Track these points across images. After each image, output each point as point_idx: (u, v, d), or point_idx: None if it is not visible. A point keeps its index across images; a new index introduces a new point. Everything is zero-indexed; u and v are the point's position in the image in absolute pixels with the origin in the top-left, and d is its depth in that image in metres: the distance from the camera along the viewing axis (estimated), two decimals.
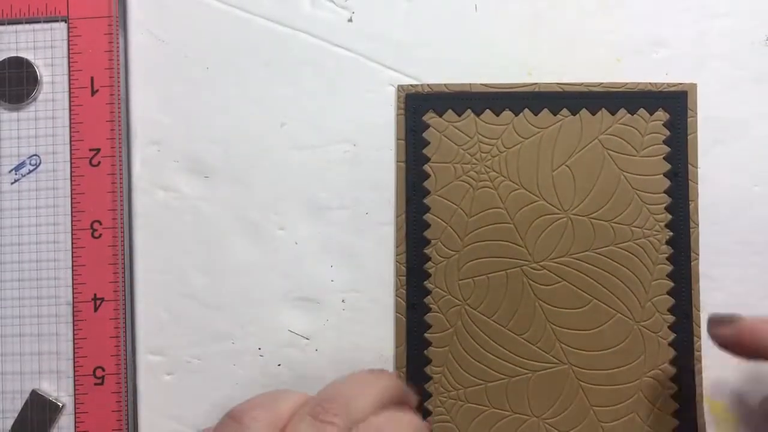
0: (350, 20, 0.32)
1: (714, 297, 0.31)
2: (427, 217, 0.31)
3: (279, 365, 0.31)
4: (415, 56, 0.32)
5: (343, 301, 0.32)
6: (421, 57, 0.32)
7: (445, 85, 0.32)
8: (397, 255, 0.31)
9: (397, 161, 0.32)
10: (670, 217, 0.31)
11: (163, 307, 0.32)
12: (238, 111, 0.32)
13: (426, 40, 0.32)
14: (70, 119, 0.33)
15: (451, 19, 0.32)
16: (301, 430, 0.22)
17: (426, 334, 0.31)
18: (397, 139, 0.32)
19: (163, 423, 0.32)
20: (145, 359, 0.32)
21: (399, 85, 0.32)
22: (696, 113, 0.31)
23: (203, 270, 0.32)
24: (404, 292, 0.31)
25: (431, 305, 0.31)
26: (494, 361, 0.31)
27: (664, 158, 0.31)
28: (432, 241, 0.31)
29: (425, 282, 0.31)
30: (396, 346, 0.31)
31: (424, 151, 0.31)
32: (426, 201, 0.31)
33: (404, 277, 0.31)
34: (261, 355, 0.32)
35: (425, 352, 0.31)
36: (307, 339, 0.31)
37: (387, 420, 0.23)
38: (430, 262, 0.31)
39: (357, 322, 0.31)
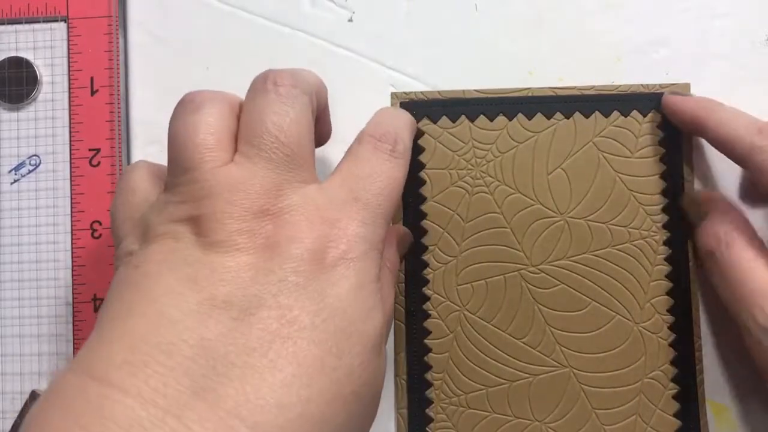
0: (350, 20, 0.32)
1: (713, 296, 0.31)
2: (424, 223, 0.31)
3: None
4: (415, 56, 0.32)
5: None
6: (421, 57, 0.32)
7: (438, 92, 0.32)
8: None
9: None
10: (666, 217, 0.31)
11: None
12: None
13: (426, 40, 0.32)
14: (70, 119, 0.33)
15: (451, 19, 0.32)
16: (364, 152, 0.25)
17: (426, 341, 0.31)
18: None
19: None
20: None
21: (392, 93, 0.32)
22: None
23: None
24: (403, 299, 0.31)
25: (430, 311, 0.31)
26: (495, 366, 0.31)
27: (659, 159, 0.31)
28: (430, 247, 0.31)
29: (424, 288, 0.31)
30: (396, 353, 0.31)
31: (420, 158, 0.31)
32: (422, 208, 0.31)
33: (403, 284, 0.31)
34: None
35: (425, 358, 0.31)
36: None
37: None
38: (428, 269, 0.31)
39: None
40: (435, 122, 0.31)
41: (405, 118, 0.28)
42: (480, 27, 0.32)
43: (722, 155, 0.28)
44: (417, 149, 0.31)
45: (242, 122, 0.23)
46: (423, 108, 0.31)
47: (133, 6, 0.33)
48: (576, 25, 0.32)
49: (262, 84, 0.24)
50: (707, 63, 0.31)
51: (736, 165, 0.28)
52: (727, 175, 0.31)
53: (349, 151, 0.26)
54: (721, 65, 0.31)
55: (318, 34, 0.32)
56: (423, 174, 0.31)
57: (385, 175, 0.25)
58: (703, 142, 0.31)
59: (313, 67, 0.32)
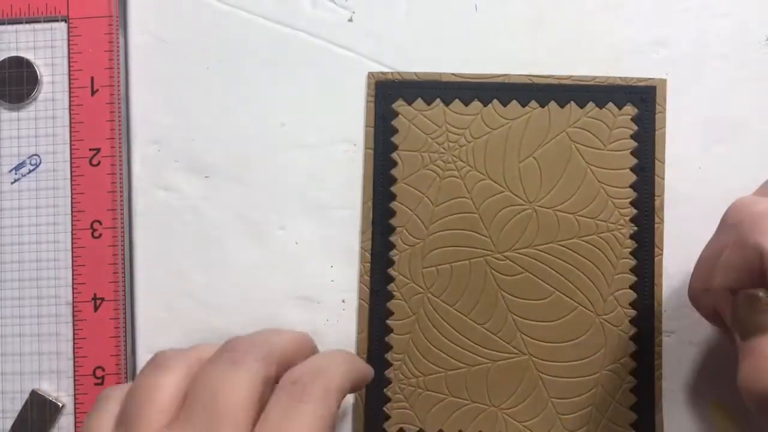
0: (350, 20, 0.32)
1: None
2: (393, 204, 0.31)
3: None
4: (416, 56, 0.32)
5: (343, 301, 0.32)
6: (421, 57, 0.32)
7: (415, 73, 0.32)
8: (362, 242, 0.31)
9: (366, 148, 0.32)
10: (635, 211, 0.31)
11: (163, 307, 0.32)
12: (238, 111, 0.32)
13: (426, 40, 0.32)
14: (70, 119, 0.33)
15: (451, 19, 0.32)
16: (273, 402, 0.23)
17: (388, 321, 0.31)
18: (366, 126, 0.32)
19: None
20: (145, 359, 0.32)
21: (369, 72, 0.32)
22: (665, 109, 0.31)
23: (203, 270, 0.32)
24: (368, 278, 0.31)
25: (394, 292, 0.31)
26: (454, 350, 0.31)
27: (631, 153, 0.31)
28: (397, 228, 0.31)
29: (389, 269, 0.31)
30: (358, 332, 0.31)
31: (393, 138, 0.31)
32: (392, 188, 0.31)
33: (368, 264, 0.31)
34: None
35: (386, 338, 0.31)
36: None
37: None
38: (394, 250, 0.31)
39: (357, 322, 0.31)
40: (410, 104, 0.31)
41: (341, 358, 0.26)
42: (480, 27, 0.32)
43: (726, 155, 0.28)
44: (390, 130, 0.31)
45: (189, 386, 0.24)
46: (398, 89, 0.32)
47: (133, 6, 0.33)
48: (576, 25, 0.32)
49: (219, 351, 0.24)
50: (707, 63, 0.31)
51: (738, 162, 0.28)
52: (729, 174, 0.31)
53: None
54: (721, 65, 0.31)
55: (318, 34, 0.32)
56: (395, 155, 0.31)
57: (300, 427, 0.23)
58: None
59: (313, 67, 0.33)
